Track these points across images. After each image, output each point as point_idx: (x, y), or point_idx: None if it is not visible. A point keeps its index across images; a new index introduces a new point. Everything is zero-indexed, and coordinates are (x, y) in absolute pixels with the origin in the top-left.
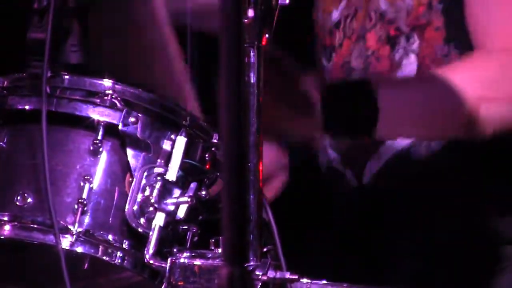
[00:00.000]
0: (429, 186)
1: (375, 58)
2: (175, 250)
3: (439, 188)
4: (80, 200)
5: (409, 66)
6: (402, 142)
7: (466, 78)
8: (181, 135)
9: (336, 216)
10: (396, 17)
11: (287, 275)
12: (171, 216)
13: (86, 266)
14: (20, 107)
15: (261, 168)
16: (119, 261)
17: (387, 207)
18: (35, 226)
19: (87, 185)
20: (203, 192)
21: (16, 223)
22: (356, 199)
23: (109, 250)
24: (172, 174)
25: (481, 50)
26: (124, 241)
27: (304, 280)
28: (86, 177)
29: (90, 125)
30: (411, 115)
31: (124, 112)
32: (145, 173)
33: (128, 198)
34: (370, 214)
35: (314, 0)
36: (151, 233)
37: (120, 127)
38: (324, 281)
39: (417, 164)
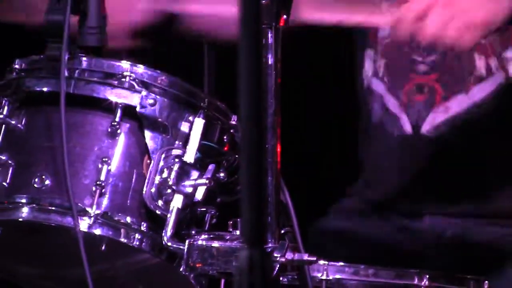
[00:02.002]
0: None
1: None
2: (193, 232)
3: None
4: (98, 182)
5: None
6: (472, 99)
7: None
8: (199, 117)
9: (374, 166)
10: None
11: (305, 257)
12: (189, 198)
13: (104, 248)
14: (38, 89)
15: (279, 150)
16: (137, 243)
17: (445, 161)
18: (53, 208)
19: (105, 167)
20: (221, 174)
21: (34, 205)
22: (408, 148)
23: (127, 232)
24: (190, 156)
25: None
26: (142, 223)
27: (322, 262)
28: (104, 159)
29: (108, 107)
30: None
31: (142, 94)
32: (163, 155)
33: (146, 180)
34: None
35: None
36: (169, 215)
37: (138, 109)
38: (341, 263)
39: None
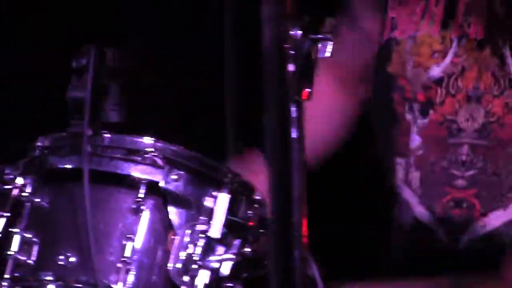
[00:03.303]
0: None
1: (499, 124)
2: None
3: None
4: (123, 259)
5: None
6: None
7: None
8: (223, 191)
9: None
10: None
11: None
12: (215, 273)
13: None
14: (61, 166)
15: (305, 224)
16: None
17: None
18: (79, 285)
19: (130, 244)
20: (247, 249)
21: (60, 282)
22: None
23: None
24: (215, 231)
25: None
26: None
27: None
28: (128, 236)
29: (131, 183)
30: None
31: (165, 170)
32: (188, 231)
33: (172, 256)
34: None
35: (391, 55)
36: None
37: (161, 185)
38: None
39: None
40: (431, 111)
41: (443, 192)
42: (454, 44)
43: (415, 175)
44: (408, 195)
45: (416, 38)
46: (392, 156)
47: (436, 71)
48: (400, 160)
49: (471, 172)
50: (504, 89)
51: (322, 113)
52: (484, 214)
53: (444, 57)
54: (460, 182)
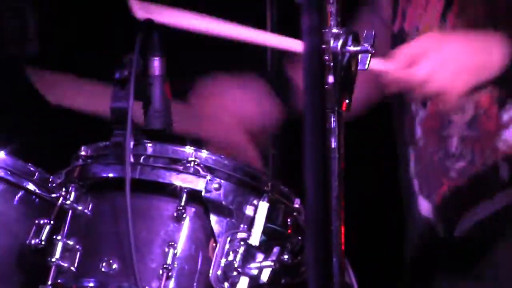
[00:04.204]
0: None
1: (486, 116)
2: None
3: None
4: (164, 266)
5: None
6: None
7: None
8: (263, 200)
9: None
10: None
11: None
12: (254, 280)
13: None
14: (104, 175)
15: (343, 231)
16: None
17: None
18: None
19: (171, 251)
20: (286, 256)
21: None
22: (443, 250)
23: None
24: (255, 239)
25: None
26: None
27: None
28: (170, 243)
29: (173, 192)
30: None
31: (207, 178)
32: (229, 238)
33: (212, 263)
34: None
35: (401, 41)
36: None
37: (203, 193)
38: None
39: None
40: (429, 103)
41: (440, 183)
42: None
43: (418, 167)
44: (416, 186)
45: (419, 29)
46: (406, 146)
47: None
48: (411, 151)
49: (462, 164)
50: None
51: None
52: (474, 204)
53: None
54: (452, 174)
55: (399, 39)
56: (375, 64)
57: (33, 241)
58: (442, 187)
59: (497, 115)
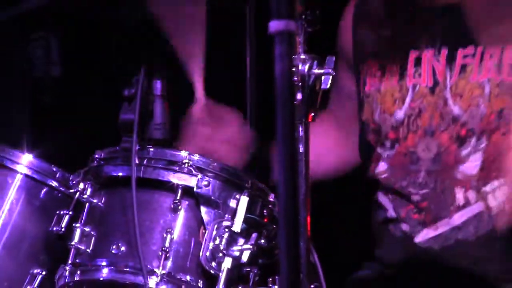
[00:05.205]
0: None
1: (446, 153)
2: (240, 287)
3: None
4: (163, 248)
5: (474, 162)
6: (457, 221)
7: None
8: (244, 195)
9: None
10: (468, 121)
11: None
12: (236, 260)
13: None
14: (114, 174)
15: (309, 221)
16: None
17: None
18: (127, 269)
19: (169, 236)
20: (262, 241)
21: (112, 267)
22: (403, 254)
23: None
24: (237, 226)
25: None
26: (199, 281)
27: None
28: (168, 230)
29: (170, 188)
30: None
31: (198, 177)
32: (216, 226)
33: (202, 246)
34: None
35: (363, 104)
36: (220, 274)
37: (195, 189)
38: None
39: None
40: (396, 145)
41: (405, 204)
42: (410, 91)
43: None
44: (386, 203)
45: (380, 90)
46: (369, 177)
47: (399, 114)
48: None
49: (424, 191)
50: (448, 125)
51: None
52: (435, 221)
53: (403, 102)
54: (416, 197)
55: (361, 101)
56: None
57: (55, 228)
58: (407, 207)
59: (455, 152)
